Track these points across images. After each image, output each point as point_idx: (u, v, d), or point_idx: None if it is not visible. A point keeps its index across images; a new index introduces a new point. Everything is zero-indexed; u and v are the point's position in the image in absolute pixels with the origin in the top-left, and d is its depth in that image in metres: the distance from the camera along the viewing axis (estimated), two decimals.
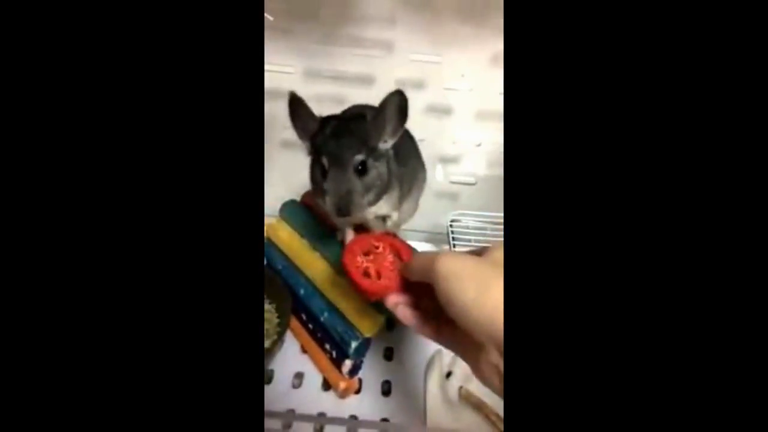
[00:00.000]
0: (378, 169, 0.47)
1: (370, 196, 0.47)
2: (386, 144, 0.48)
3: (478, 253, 0.35)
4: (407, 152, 0.55)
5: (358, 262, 0.43)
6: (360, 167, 0.45)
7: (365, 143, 0.46)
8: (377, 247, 0.45)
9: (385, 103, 0.46)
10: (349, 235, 0.57)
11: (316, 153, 0.47)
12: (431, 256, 0.34)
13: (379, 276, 0.42)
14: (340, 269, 0.58)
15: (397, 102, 0.46)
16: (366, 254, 0.45)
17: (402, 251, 0.44)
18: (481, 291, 0.30)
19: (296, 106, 0.48)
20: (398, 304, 0.40)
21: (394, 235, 0.45)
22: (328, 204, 0.45)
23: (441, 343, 0.39)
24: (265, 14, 0.62)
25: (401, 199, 0.54)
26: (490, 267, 0.32)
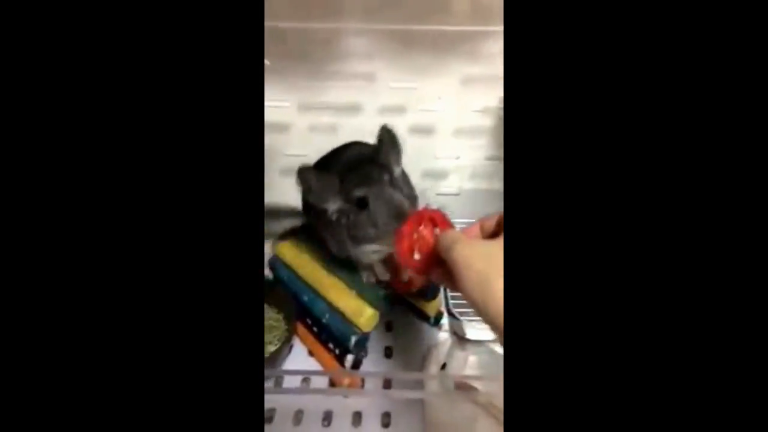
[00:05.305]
0: (403, 187, 0.54)
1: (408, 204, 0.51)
2: (398, 170, 0.56)
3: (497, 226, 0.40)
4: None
5: (405, 245, 0.45)
6: (390, 182, 0.52)
7: (384, 168, 0.53)
8: (420, 225, 0.45)
9: (380, 137, 0.55)
10: (378, 269, 0.61)
11: (346, 201, 0.52)
12: (451, 243, 0.36)
13: (420, 253, 0.44)
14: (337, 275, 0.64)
15: (387, 133, 0.55)
16: (414, 235, 0.45)
17: (438, 221, 0.45)
18: (484, 288, 0.32)
19: (308, 175, 0.52)
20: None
21: (432, 209, 0.46)
22: (380, 221, 0.50)
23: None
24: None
25: None
26: (496, 255, 0.32)
